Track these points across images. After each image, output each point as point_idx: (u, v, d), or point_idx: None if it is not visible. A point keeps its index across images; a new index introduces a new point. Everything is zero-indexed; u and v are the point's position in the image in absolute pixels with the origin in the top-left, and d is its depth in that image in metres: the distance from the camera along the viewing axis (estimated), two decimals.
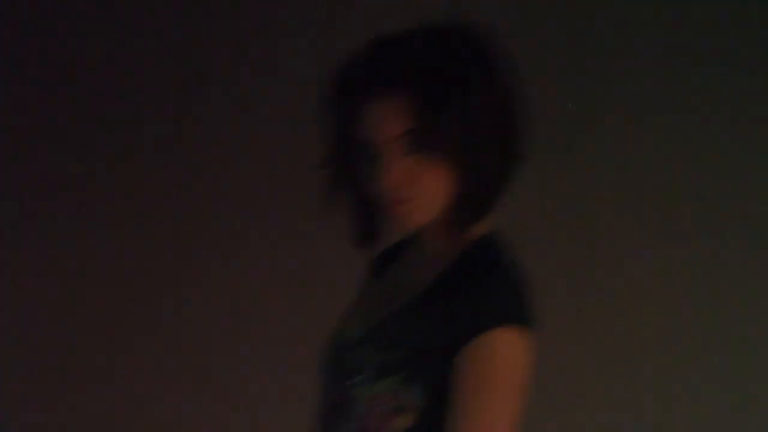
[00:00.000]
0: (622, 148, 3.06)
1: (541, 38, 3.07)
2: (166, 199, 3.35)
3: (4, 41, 3.41)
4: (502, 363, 1.44)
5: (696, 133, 3.04)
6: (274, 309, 3.26)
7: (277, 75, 3.24)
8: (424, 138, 1.47)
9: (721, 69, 3.03)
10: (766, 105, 3.01)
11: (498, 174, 1.52)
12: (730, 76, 3.02)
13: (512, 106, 1.52)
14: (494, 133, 1.50)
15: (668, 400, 3.06)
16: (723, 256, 3.01)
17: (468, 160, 1.48)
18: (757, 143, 3.02)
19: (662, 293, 3.06)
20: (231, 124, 3.28)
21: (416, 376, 1.47)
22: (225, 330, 3.30)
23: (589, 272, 3.08)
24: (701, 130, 3.03)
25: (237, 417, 3.28)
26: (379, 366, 1.49)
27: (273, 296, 3.25)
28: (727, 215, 3.01)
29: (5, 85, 3.42)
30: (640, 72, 3.05)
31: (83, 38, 3.38)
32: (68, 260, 3.38)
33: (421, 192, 1.49)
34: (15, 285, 3.41)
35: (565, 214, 3.10)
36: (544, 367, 2.88)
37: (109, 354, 3.36)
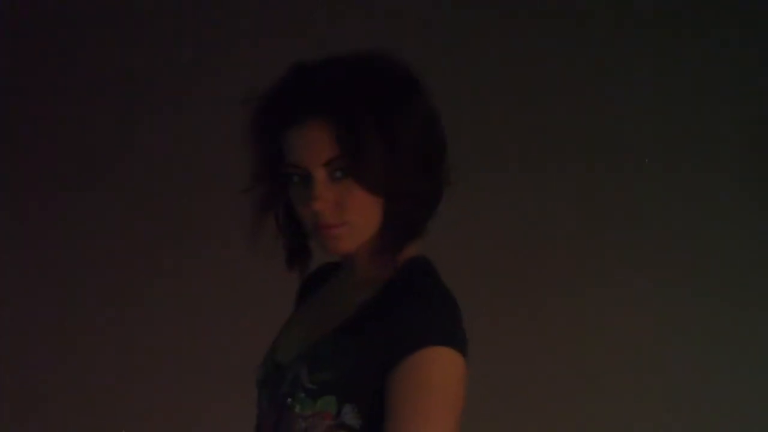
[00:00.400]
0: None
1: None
2: (165, 197, 3.36)
3: (4, 41, 3.42)
4: (435, 380, 1.45)
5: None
6: (273, 308, 3.25)
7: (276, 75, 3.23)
8: (350, 164, 1.49)
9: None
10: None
11: (425, 198, 1.55)
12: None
13: (435, 131, 1.55)
14: (419, 158, 1.52)
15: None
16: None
17: (394, 186, 1.51)
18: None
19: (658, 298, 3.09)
20: (230, 124, 3.28)
21: (352, 395, 1.49)
22: (225, 330, 3.31)
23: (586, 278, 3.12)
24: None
25: (236, 416, 3.27)
26: (317, 385, 1.51)
27: (272, 295, 3.24)
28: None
29: (5, 85, 3.43)
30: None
31: (83, 38, 3.38)
32: (66, 259, 3.40)
33: (351, 216, 1.52)
34: (15, 285, 3.42)
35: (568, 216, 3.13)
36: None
37: (109, 353, 3.37)
